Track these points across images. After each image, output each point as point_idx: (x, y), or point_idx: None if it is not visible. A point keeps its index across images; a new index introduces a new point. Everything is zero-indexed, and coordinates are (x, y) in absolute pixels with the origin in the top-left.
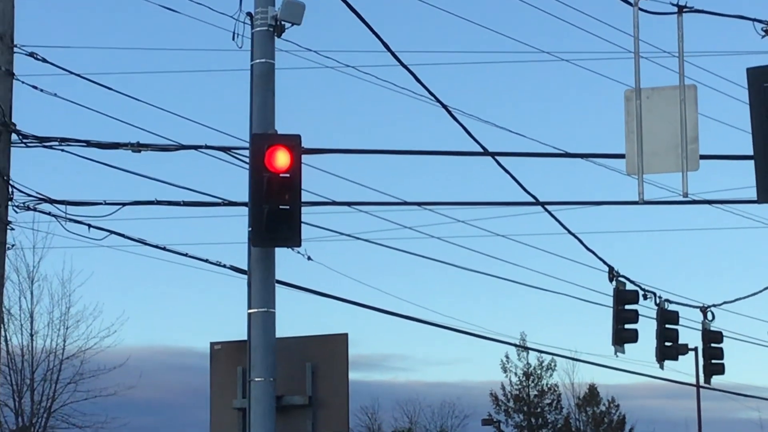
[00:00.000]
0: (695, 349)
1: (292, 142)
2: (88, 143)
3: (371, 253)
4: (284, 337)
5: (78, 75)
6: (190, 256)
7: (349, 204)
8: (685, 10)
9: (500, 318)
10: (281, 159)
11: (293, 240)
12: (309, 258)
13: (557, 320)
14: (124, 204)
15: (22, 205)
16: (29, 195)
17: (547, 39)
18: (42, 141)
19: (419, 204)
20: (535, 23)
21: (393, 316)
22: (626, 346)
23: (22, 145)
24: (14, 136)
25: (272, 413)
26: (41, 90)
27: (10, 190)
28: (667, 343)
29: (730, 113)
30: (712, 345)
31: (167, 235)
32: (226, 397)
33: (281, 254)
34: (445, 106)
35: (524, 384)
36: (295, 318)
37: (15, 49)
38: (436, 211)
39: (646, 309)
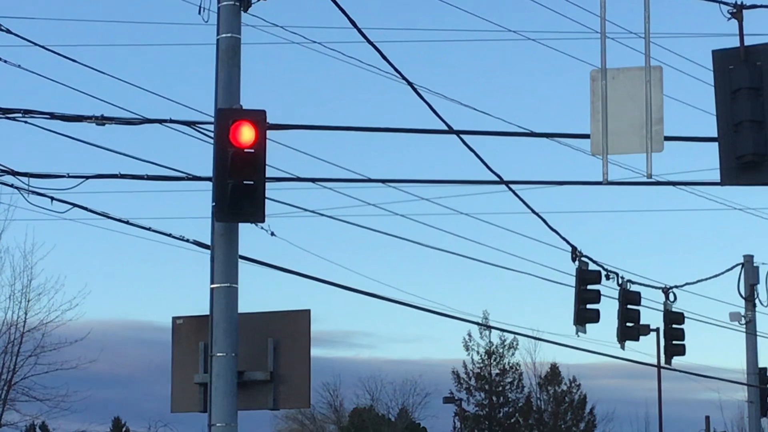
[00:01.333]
0: (657, 330)
1: (257, 118)
2: (52, 115)
3: (335, 230)
4: (246, 312)
5: (42, 47)
6: (154, 230)
7: (313, 180)
8: None
9: (463, 296)
10: (246, 134)
11: (257, 215)
12: (272, 234)
13: (520, 299)
14: (87, 177)
15: None
16: None
17: (514, 18)
18: (5, 112)
19: (383, 181)
20: (503, 2)
21: (356, 292)
22: (588, 326)
23: None
24: None
25: (234, 388)
26: (5, 61)
27: None
28: (628, 324)
29: (695, 95)
30: (674, 326)
31: (131, 209)
32: (188, 371)
33: (245, 230)
34: (410, 84)
35: (486, 362)
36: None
37: None
38: (400, 189)
39: (609, 289)
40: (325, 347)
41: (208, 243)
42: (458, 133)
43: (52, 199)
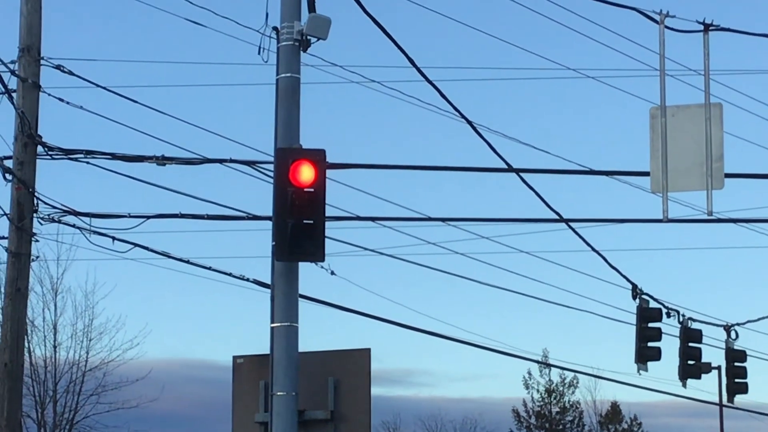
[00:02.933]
0: (718, 368)
1: (317, 157)
2: (113, 156)
3: (394, 268)
4: (307, 351)
5: (104, 88)
6: (214, 270)
7: (372, 219)
8: (711, 28)
9: (523, 334)
10: (306, 173)
11: (317, 255)
12: (332, 273)
13: (580, 337)
14: (148, 217)
15: (46, 217)
16: (54, 207)
17: (573, 56)
18: (67, 153)
19: (443, 220)
20: (561, 40)
21: (416, 331)
22: (649, 364)
23: (48, 157)
24: (40, 148)
25: (294, 428)
26: (67, 102)
27: (35, 202)
28: (690, 362)
29: (756, 131)
30: (736, 364)
31: (191, 249)
32: (249, 410)
33: (304, 269)
34: (469, 122)
35: (546, 401)
36: (318, 332)
37: (42, 62)
38: (460, 227)
39: (670, 327)
40: (384, 386)
41: (268, 282)
42: (517, 171)
43: (114, 239)
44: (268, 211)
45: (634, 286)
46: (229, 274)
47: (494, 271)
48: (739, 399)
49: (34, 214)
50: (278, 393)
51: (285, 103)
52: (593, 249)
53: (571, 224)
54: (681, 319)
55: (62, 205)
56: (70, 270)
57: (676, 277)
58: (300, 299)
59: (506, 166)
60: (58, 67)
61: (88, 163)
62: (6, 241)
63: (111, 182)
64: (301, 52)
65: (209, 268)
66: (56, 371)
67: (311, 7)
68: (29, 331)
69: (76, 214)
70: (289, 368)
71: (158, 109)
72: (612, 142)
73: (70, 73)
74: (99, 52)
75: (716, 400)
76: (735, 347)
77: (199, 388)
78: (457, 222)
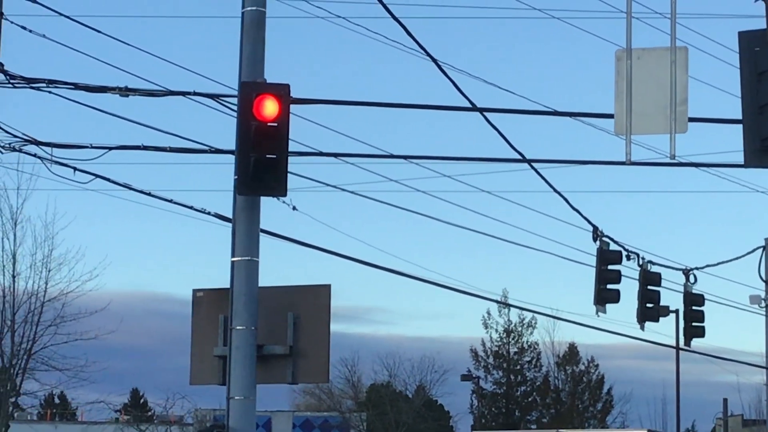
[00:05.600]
0: (676, 311)
1: (281, 92)
2: (76, 86)
3: (356, 205)
4: (267, 286)
5: (67, 17)
6: (175, 203)
7: (335, 155)
8: None
9: (483, 274)
10: (269, 108)
11: (279, 189)
12: (294, 208)
13: (540, 278)
14: (110, 148)
15: (7, 145)
16: (15, 136)
17: None
18: (29, 82)
19: (405, 157)
20: None
21: (376, 268)
22: (608, 306)
23: (9, 85)
24: (1, 76)
25: (253, 362)
26: (30, 30)
27: None
28: (648, 305)
29: (721, 77)
30: (694, 308)
31: (153, 181)
32: (207, 344)
33: (266, 203)
34: (434, 60)
35: (504, 341)
36: (279, 268)
37: None
38: (422, 165)
39: (629, 270)
40: (344, 323)
41: (230, 216)
42: (481, 110)
43: (75, 169)
44: (231, 145)
45: (595, 228)
46: (191, 207)
47: (456, 210)
48: (696, 342)
49: None
50: (237, 327)
51: (250, 37)
52: (555, 190)
53: (534, 165)
54: (641, 262)
55: (23, 134)
56: (30, 200)
57: (637, 220)
58: (261, 234)
59: (470, 105)
60: None
61: (50, 92)
62: None
63: (73, 112)
64: None
65: (171, 201)
66: (14, 301)
67: None
68: None
69: (38, 143)
70: (249, 303)
71: (122, 39)
72: (577, 84)
73: (33, 1)
74: None
75: (673, 343)
76: (693, 291)
77: (158, 321)
78: (420, 159)
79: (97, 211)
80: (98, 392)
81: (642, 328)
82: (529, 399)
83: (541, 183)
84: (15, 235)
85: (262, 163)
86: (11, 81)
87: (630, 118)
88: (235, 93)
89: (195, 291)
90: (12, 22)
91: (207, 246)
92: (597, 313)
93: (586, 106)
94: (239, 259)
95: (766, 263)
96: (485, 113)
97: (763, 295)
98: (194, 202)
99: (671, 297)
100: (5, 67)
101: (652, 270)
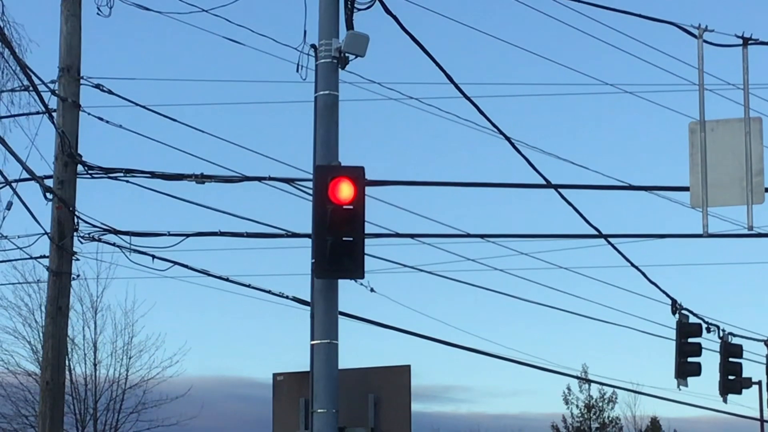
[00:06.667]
0: (759, 383)
1: (356, 174)
2: (153, 174)
3: (434, 285)
4: (347, 368)
5: (143, 106)
6: (253, 287)
7: (412, 236)
8: (749, 42)
9: (562, 350)
10: (345, 191)
11: (356, 272)
12: (372, 290)
13: (619, 353)
14: (187, 235)
15: (87, 235)
16: (94, 226)
17: (612, 71)
18: (107, 172)
19: (482, 236)
20: (600, 55)
21: (455, 347)
22: (689, 379)
23: (88, 176)
24: (80, 168)
25: None
26: (107, 121)
27: (76, 220)
28: (730, 377)
29: None
30: None
31: (230, 266)
32: (289, 428)
33: (344, 286)
34: (507, 138)
35: (585, 416)
36: (358, 349)
37: (81, 81)
38: (499, 243)
39: (710, 342)
40: (424, 402)
41: (308, 300)
42: (556, 187)
43: (153, 257)
44: (307, 229)
45: (674, 302)
46: (269, 292)
47: (533, 286)
48: None
49: (75, 233)
50: (319, 410)
51: (324, 121)
52: (632, 264)
53: (611, 240)
54: (721, 334)
55: (102, 223)
56: (109, 288)
57: (716, 292)
58: (339, 316)
59: (545, 182)
60: (97, 86)
61: (127, 181)
62: (47, 260)
63: (150, 201)
64: (340, 70)
65: (249, 286)
66: (96, 389)
67: (349, 25)
68: (69, 349)
69: (116, 232)
70: (329, 385)
71: (197, 127)
72: (651, 158)
73: (110, 92)
74: (138, 71)
75: (757, 415)
76: None
77: (238, 405)
78: (496, 238)
79: (175, 298)
80: None
81: (725, 400)
82: None
83: (618, 257)
84: (95, 323)
85: (339, 246)
86: (89, 171)
87: (706, 190)
88: (310, 177)
89: (275, 375)
90: (89, 114)
91: (286, 330)
92: (678, 386)
93: (661, 179)
94: (318, 342)
95: None
96: (560, 189)
97: None
98: (272, 286)
99: (754, 368)
100: (83, 158)
101: (733, 342)
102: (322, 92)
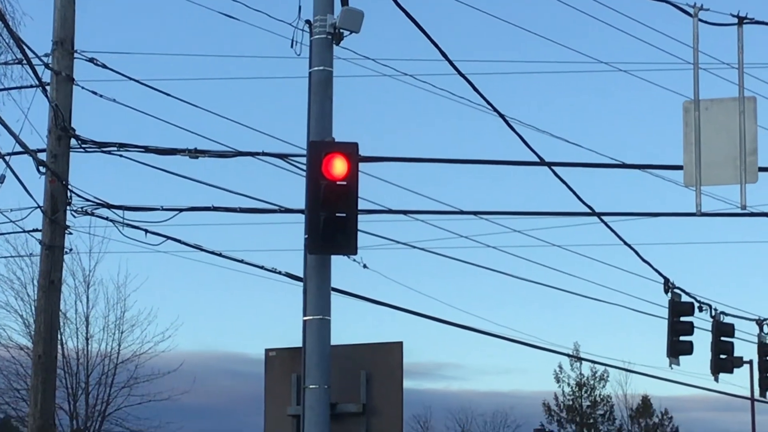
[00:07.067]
0: (750, 362)
1: (350, 150)
2: (146, 149)
3: (427, 262)
4: (339, 344)
5: (137, 81)
6: (246, 263)
7: (405, 212)
8: (745, 21)
9: (554, 328)
10: (338, 167)
11: (349, 248)
12: (365, 266)
13: (611, 331)
14: (180, 210)
15: (80, 209)
16: (87, 200)
17: (606, 49)
18: (101, 146)
19: (475, 213)
20: (594, 33)
21: (447, 324)
22: (681, 358)
23: (81, 150)
24: (73, 141)
25: (326, 421)
26: (100, 95)
27: (69, 194)
28: (722, 356)
29: None
30: None
31: (223, 241)
32: (281, 403)
33: (337, 262)
34: (502, 115)
35: (577, 394)
36: (350, 325)
37: (75, 55)
38: (492, 221)
39: (702, 321)
40: (416, 379)
41: (301, 275)
42: (550, 164)
43: (146, 231)
44: (301, 204)
45: (666, 280)
46: (262, 267)
47: (526, 264)
48: None
49: (68, 207)
50: (310, 386)
51: (318, 97)
52: (625, 242)
53: (603, 217)
54: (713, 313)
55: (95, 197)
56: (102, 262)
57: (708, 271)
58: (332, 292)
59: (538, 160)
60: (91, 60)
61: (121, 156)
62: (40, 233)
63: (144, 175)
64: (334, 45)
65: (241, 261)
66: (88, 363)
67: (344, 1)
68: (62, 324)
69: (109, 206)
70: (322, 361)
71: (191, 102)
72: (645, 136)
73: (104, 66)
74: (132, 45)
75: (748, 394)
76: (767, 341)
77: (230, 380)
78: (489, 215)
79: (168, 273)
80: None
81: (716, 379)
82: None
83: (611, 236)
84: (88, 297)
85: (332, 221)
86: (83, 145)
87: (699, 169)
88: (304, 152)
89: (267, 351)
90: (83, 88)
91: (278, 305)
92: (670, 365)
93: (654, 157)
94: (311, 318)
95: None
96: (553, 167)
97: None
98: (265, 261)
99: (745, 348)
100: (77, 132)
101: (725, 321)
102: (316, 68)
